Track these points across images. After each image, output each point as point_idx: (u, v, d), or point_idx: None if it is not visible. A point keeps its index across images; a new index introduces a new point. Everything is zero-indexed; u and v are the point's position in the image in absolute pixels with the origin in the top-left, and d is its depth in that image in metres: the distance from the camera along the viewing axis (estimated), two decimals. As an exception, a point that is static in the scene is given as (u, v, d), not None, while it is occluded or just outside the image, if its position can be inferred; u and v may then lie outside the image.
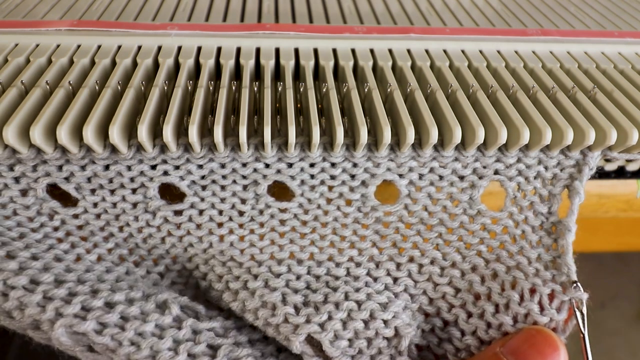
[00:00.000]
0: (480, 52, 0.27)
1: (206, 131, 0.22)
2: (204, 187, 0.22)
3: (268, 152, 0.22)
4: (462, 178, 0.23)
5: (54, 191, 0.22)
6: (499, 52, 0.28)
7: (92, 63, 0.25)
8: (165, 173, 0.22)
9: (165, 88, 0.23)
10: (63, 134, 0.19)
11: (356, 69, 0.26)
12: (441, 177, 0.23)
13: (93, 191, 0.22)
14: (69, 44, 0.26)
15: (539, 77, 0.25)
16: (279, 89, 0.24)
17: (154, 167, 0.22)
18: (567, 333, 0.22)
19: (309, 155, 0.22)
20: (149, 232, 0.23)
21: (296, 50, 0.26)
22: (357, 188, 0.23)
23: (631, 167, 0.29)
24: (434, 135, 0.21)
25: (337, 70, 0.26)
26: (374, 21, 0.31)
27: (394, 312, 0.22)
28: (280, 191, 0.23)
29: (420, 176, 0.23)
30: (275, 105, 0.23)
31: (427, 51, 0.27)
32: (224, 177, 0.22)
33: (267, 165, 0.22)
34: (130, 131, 0.21)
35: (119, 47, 0.26)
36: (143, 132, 0.20)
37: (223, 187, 0.22)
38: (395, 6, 0.34)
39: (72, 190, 0.22)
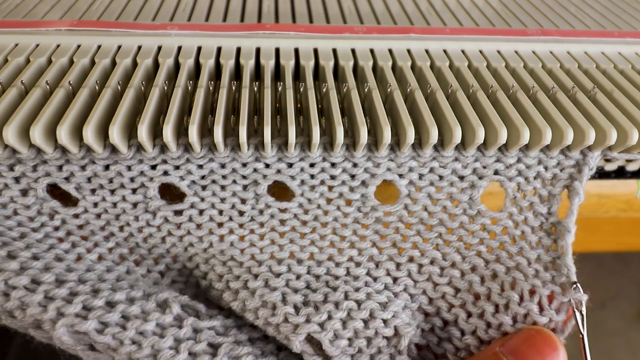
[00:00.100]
0: (480, 52, 0.27)
1: (206, 131, 0.22)
2: (204, 187, 0.22)
3: (268, 152, 0.22)
4: (462, 178, 0.23)
5: (54, 191, 0.22)
6: (499, 52, 0.28)
7: (92, 63, 0.25)
8: (165, 173, 0.22)
9: (165, 88, 0.23)
10: (63, 134, 0.19)
11: (356, 69, 0.26)
12: (441, 177, 0.23)
13: (93, 191, 0.22)
14: (69, 44, 0.26)
15: (539, 77, 0.25)
16: (279, 89, 0.24)
17: (154, 167, 0.22)
18: (566, 333, 0.22)
19: (309, 155, 0.22)
20: (149, 231, 0.23)
21: (296, 50, 0.26)
22: (357, 188, 0.23)
23: (631, 167, 0.29)
24: (434, 135, 0.21)
25: (337, 70, 0.26)
26: (374, 21, 0.31)
27: (393, 312, 0.22)
28: (280, 191, 0.23)
29: (420, 176, 0.23)
30: (275, 105, 0.24)
31: (427, 51, 0.27)
32: (224, 177, 0.22)
33: (267, 165, 0.22)
34: (130, 131, 0.21)
35: (119, 47, 0.26)
36: (143, 132, 0.20)
37: (223, 187, 0.22)
38: (395, 6, 0.34)
39: (72, 190, 0.22)
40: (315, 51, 0.27)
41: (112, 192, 0.22)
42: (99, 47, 0.26)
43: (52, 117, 0.20)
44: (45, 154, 0.21)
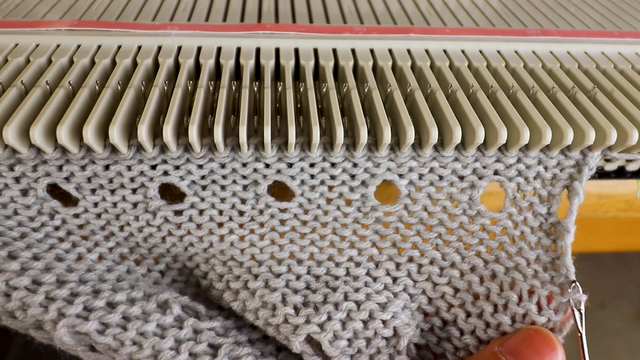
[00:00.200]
0: (480, 52, 0.27)
1: (206, 131, 0.22)
2: (204, 187, 0.22)
3: (268, 152, 0.22)
4: (462, 178, 0.23)
5: (55, 191, 0.22)
6: (499, 52, 0.28)
7: (92, 63, 0.25)
8: (165, 173, 0.22)
9: (165, 88, 0.23)
10: (63, 134, 0.19)
11: (356, 69, 0.26)
12: (441, 177, 0.23)
13: (93, 191, 0.22)
14: (69, 44, 0.26)
15: (539, 77, 0.25)
16: (279, 89, 0.24)
17: (154, 167, 0.22)
18: (565, 333, 0.22)
19: (309, 155, 0.22)
20: (150, 231, 0.23)
21: (296, 50, 0.26)
22: (357, 188, 0.23)
23: (631, 167, 0.29)
24: (434, 135, 0.21)
25: (337, 70, 0.26)
26: (374, 21, 0.31)
27: (393, 312, 0.22)
28: (280, 191, 0.23)
29: (420, 176, 0.23)
30: (275, 105, 0.24)
31: (427, 51, 0.27)
32: (224, 177, 0.22)
33: (267, 165, 0.22)
34: (130, 131, 0.21)
35: (119, 47, 0.26)
36: (143, 132, 0.20)
37: (223, 187, 0.22)
38: (395, 6, 0.34)
39: (73, 190, 0.22)
40: (315, 51, 0.27)
41: (112, 192, 0.22)
42: (99, 47, 0.26)
43: (52, 117, 0.20)
44: (45, 154, 0.21)
